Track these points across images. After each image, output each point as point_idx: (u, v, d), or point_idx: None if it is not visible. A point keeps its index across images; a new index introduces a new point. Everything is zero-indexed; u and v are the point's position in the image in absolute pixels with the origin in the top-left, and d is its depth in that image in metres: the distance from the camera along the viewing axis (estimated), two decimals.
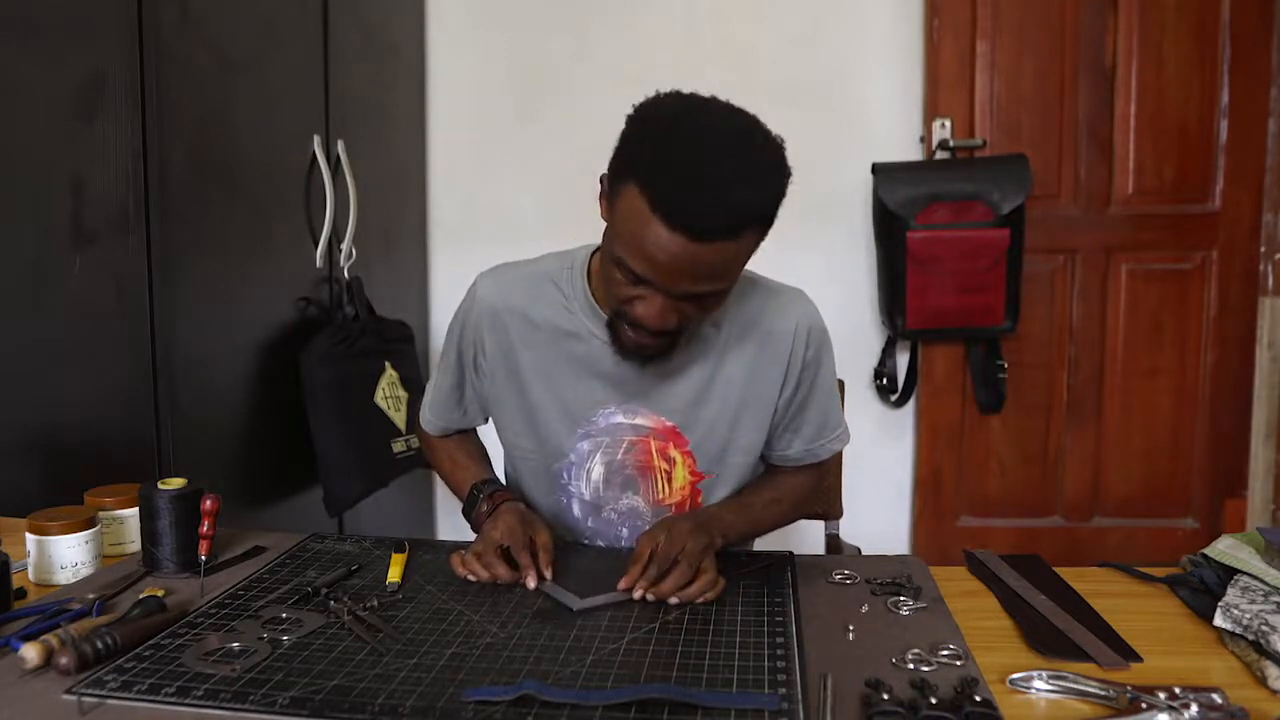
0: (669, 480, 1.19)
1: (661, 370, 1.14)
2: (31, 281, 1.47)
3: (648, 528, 1.11)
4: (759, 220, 0.95)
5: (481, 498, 1.18)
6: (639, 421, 1.17)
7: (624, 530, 1.21)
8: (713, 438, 1.17)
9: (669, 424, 1.17)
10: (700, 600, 0.98)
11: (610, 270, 1.01)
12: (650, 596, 0.98)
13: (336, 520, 2.02)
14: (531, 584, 1.02)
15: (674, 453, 1.18)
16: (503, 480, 1.28)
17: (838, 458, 1.35)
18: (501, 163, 2.65)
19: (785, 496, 1.24)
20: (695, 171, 0.91)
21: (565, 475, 1.21)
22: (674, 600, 0.98)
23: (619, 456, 1.18)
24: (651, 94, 1.00)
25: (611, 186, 0.98)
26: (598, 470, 1.19)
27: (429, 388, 1.32)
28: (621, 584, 0.99)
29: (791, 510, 1.26)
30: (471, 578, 1.05)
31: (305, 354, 1.86)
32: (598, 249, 1.17)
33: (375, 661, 0.83)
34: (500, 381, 1.21)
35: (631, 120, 0.98)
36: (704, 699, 0.75)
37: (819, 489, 1.31)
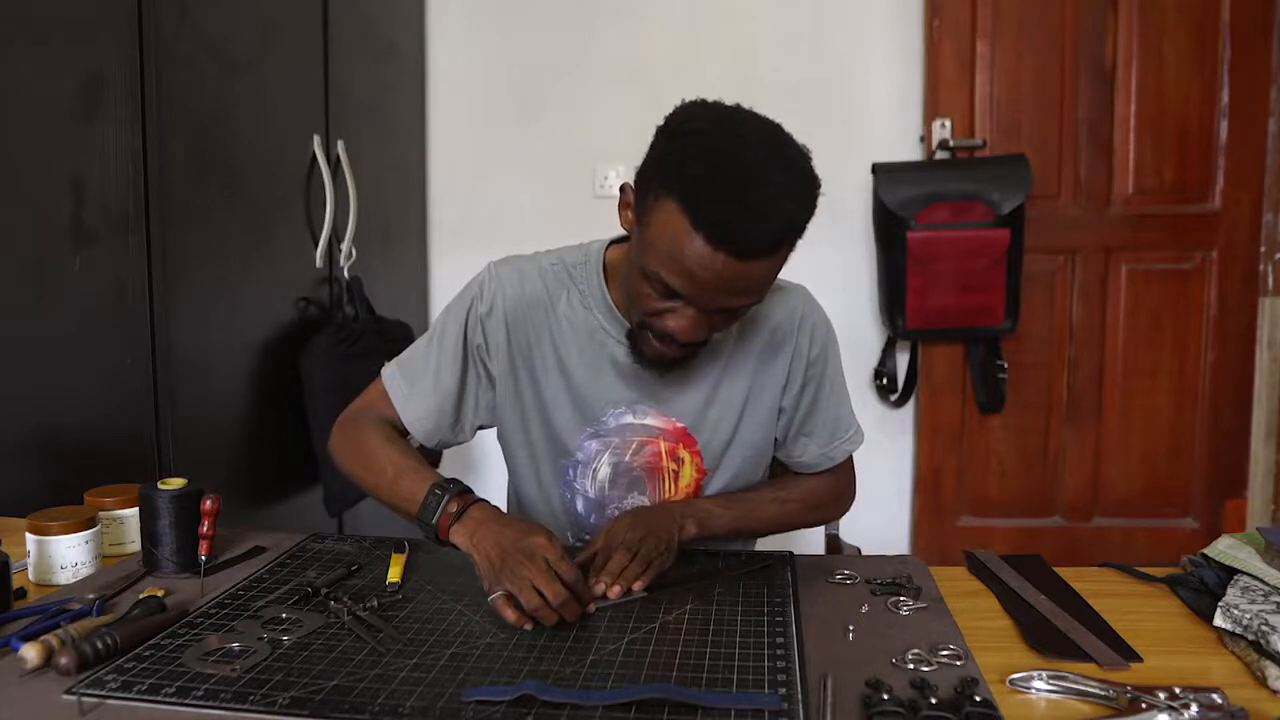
0: (675, 480, 1.19)
1: (674, 373, 1.13)
2: (31, 281, 1.47)
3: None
4: (797, 234, 0.95)
5: (448, 498, 1.02)
6: (649, 422, 1.17)
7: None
8: (719, 436, 1.18)
9: (679, 425, 1.17)
10: (637, 585, 0.98)
11: (639, 284, 1.00)
12: (614, 594, 0.97)
13: (336, 520, 2.02)
14: (594, 608, 0.95)
15: (683, 453, 1.18)
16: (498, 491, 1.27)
17: (854, 474, 1.32)
18: (501, 163, 2.66)
19: (796, 496, 1.23)
20: (738, 190, 0.90)
21: (571, 473, 1.21)
22: (618, 591, 0.97)
23: (627, 458, 1.18)
24: (681, 103, 0.99)
25: (642, 199, 0.97)
26: (604, 470, 1.19)
27: (410, 391, 1.19)
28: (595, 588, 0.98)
29: (806, 511, 1.24)
30: (528, 626, 0.90)
31: (305, 354, 1.86)
32: (612, 243, 1.17)
33: (375, 662, 0.83)
34: (510, 377, 1.18)
35: (663, 133, 0.97)
36: (704, 699, 0.75)
37: (841, 492, 1.29)
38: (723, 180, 0.91)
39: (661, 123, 0.98)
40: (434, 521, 1.02)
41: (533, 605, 0.90)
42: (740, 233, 0.90)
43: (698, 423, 1.17)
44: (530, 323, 1.16)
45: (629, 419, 1.17)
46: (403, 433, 1.21)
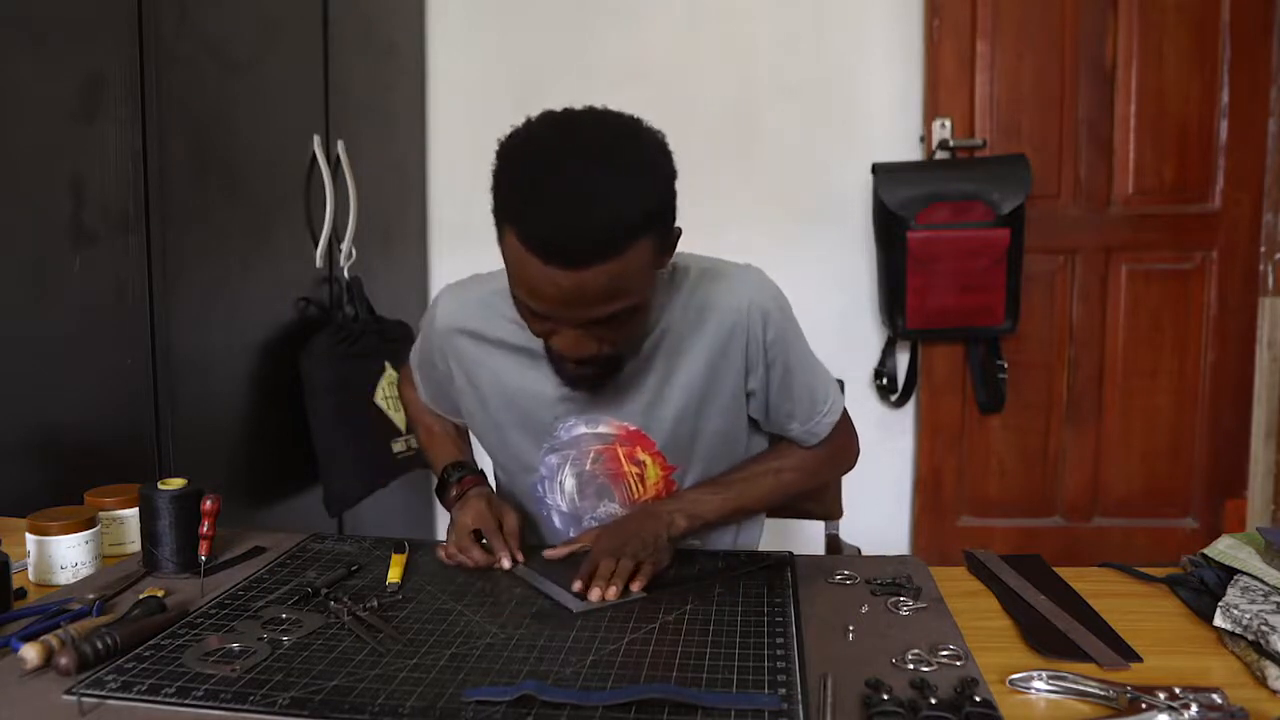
0: (642, 481, 1.18)
1: (606, 388, 1.12)
2: (31, 281, 1.47)
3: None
4: (642, 230, 0.91)
5: (452, 482, 1.22)
6: (602, 430, 1.16)
7: None
8: (679, 434, 1.16)
9: (631, 428, 1.16)
10: (636, 586, 0.99)
11: (520, 309, 1.01)
12: (610, 596, 0.98)
13: (336, 520, 2.02)
14: (506, 564, 1.07)
15: (642, 455, 1.17)
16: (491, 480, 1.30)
17: (852, 433, 1.30)
18: None
19: (791, 464, 1.21)
20: (556, 200, 0.89)
21: (540, 489, 1.22)
22: (614, 592, 0.98)
23: (588, 467, 1.18)
24: (523, 120, 0.98)
25: (496, 229, 0.97)
26: (570, 482, 1.20)
27: (421, 381, 1.33)
28: (575, 588, 0.99)
29: (806, 476, 1.23)
30: (450, 562, 1.09)
31: (305, 354, 1.86)
32: None
33: (375, 662, 0.83)
34: (467, 399, 1.22)
35: (496, 156, 0.96)
36: (704, 699, 0.75)
37: (837, 454, 1.27)
38: (540, 194, 0.89)
39: (497, 148, 0.96)
40: (444, 499, 1.23)
41: (450, 557, 1.10)
42: (565, 243, 0.88)
43: (649, 423, 1.15)
44: (469, 350, 1.19)
45: (582, 429, 1.17)
46: None
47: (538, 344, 1.11)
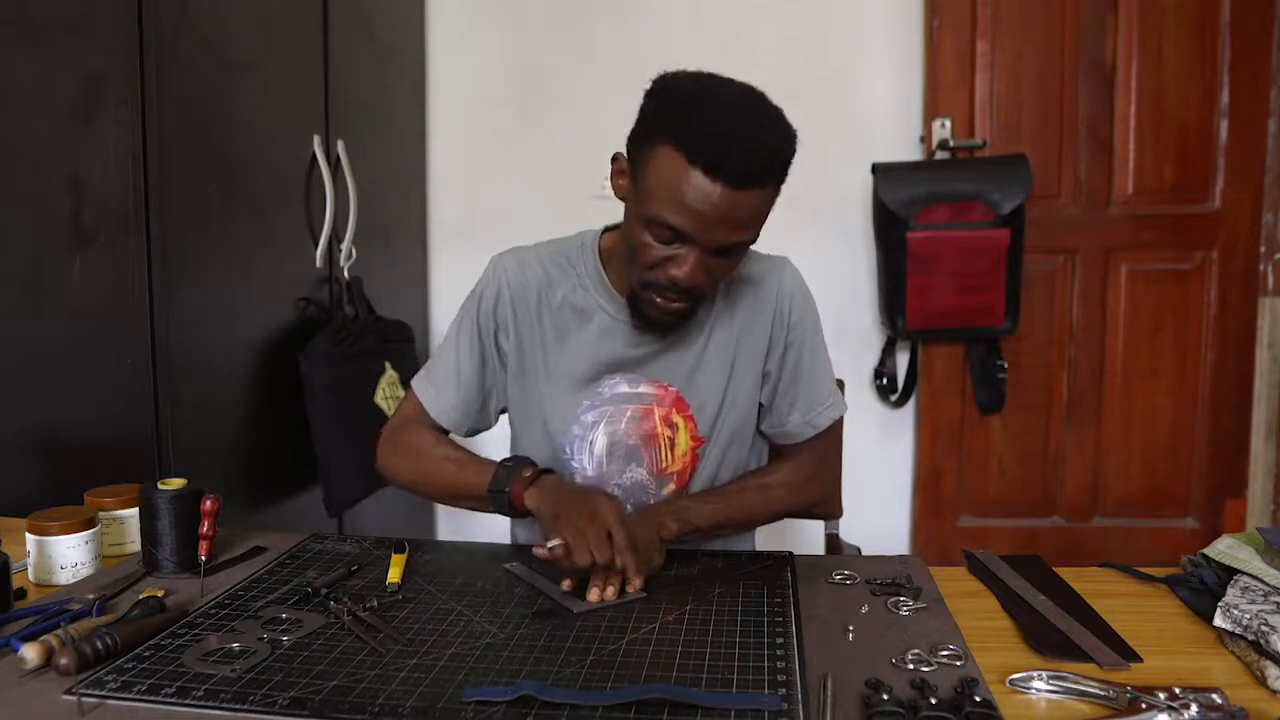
0: (672, 448, 1.21)
1: (665, 339, 1.18)
2: (31, 281, 1.47)
3: (651, 501, 1.20)
4: (782, 170, 1.02)
5: (520, 468, 1.10)
6: (643, 389, 1.20)
7: (629, 506, 1.20)
8: (711, 400, 1.20)
9: (672, 389, 1.20)
10: (633, 586, 1.00)
11: (640, 236, 1.04)
12: (609, 596, 0.98)
13: (336, 520, 2.02)
14: (637, 585, 1.00)
15: (677, 418, 1.20)
16: None
17: (840, 451, 1.35)
18: (501, 163, 2.65)
19: (778, 480, 1.24)
20: (727, 124, 0.98)
21: (568, 450, 1.22)
22: (612, 592, 0.98)
23: (622, 426, 1.20)
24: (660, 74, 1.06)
25: (636, 157, 1.04)
26: (601, 442, 1.21)
27: (437, 387, 1.23)
28: (564, 586, 1.01)
29: (790, 495, 1.25)
30: (560, 558, 0.98)
31: (305, 354, 1.86)
32: (606, 230, 1.23)
33: (375, 662, 0.83)
34: (518, 354, 1.23)
35: (651, 94, 1.04)
36: (704, 699, 0.75)
37: (823, 468, 1.28)
38: (711, 119, 0.98)
39: (648, 87, 1.05)
40: (507, 489, 1.08)
41: (583, 563, 0.97)
42: (735, 160, 0.97)
43: (689, 386, 1.20)
44: (531, 304, 1.22)
45: (624, 387, 1.21)
46: (443, 432, 1.26)
47: (595, 303, 1.19)
